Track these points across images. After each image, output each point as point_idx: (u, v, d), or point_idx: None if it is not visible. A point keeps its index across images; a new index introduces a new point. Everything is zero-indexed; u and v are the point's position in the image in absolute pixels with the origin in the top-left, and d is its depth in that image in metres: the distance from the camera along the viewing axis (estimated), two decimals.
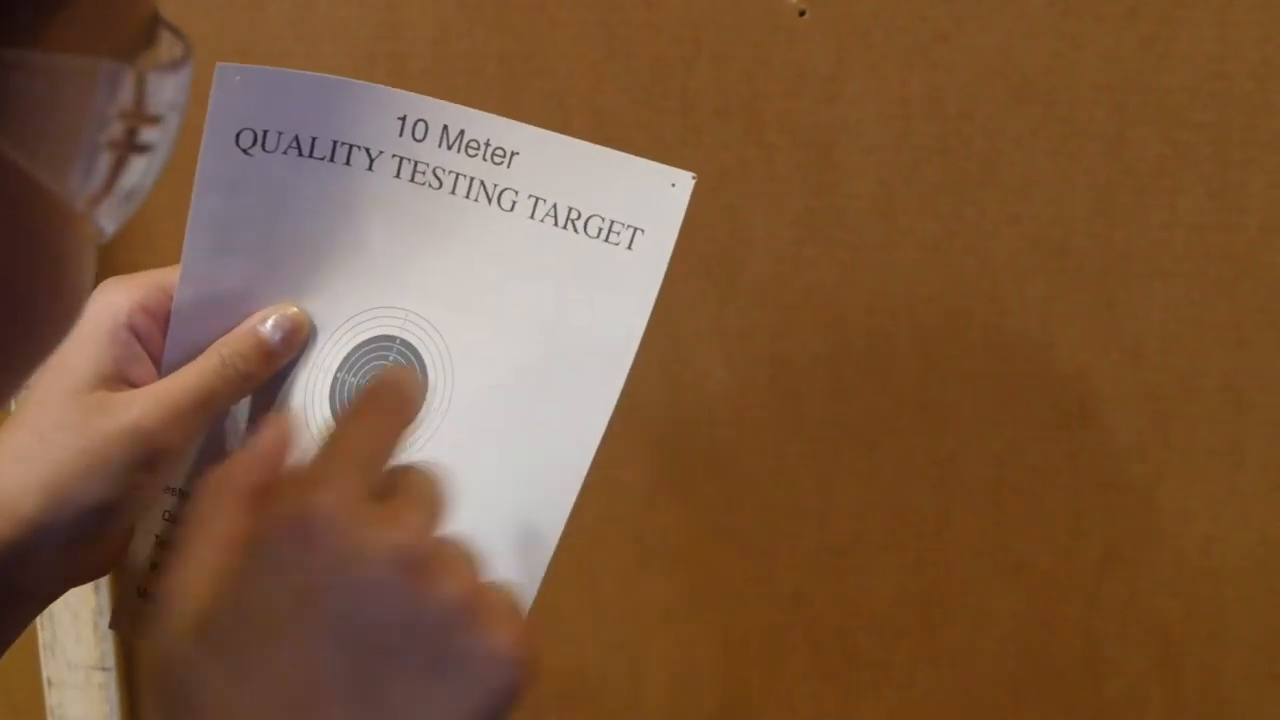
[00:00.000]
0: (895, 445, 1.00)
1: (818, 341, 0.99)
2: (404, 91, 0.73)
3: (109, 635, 1.19)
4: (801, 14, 0.94)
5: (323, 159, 0.74)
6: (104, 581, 1.19)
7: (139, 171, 0.46)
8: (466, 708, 0.55)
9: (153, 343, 0.75)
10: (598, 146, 0.70)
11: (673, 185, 0.69)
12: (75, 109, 0.42)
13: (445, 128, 0.72)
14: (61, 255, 0.44)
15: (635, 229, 0.69)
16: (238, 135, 0.73)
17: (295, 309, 0.75)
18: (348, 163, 0.73)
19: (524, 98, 1.01)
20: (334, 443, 0.60)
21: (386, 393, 0.64)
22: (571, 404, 0.70)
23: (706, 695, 1.09)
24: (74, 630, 1.21)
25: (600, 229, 0.70)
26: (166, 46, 0.46)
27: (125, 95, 0.44)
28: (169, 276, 0.75)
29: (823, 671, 1.06)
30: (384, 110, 0.73)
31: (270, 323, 0.74)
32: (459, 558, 0.58)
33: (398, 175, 0.73)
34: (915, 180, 0.95)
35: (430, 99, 0.73)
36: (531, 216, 0.71)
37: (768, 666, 1.07)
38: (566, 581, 1.10)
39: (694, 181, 0.69)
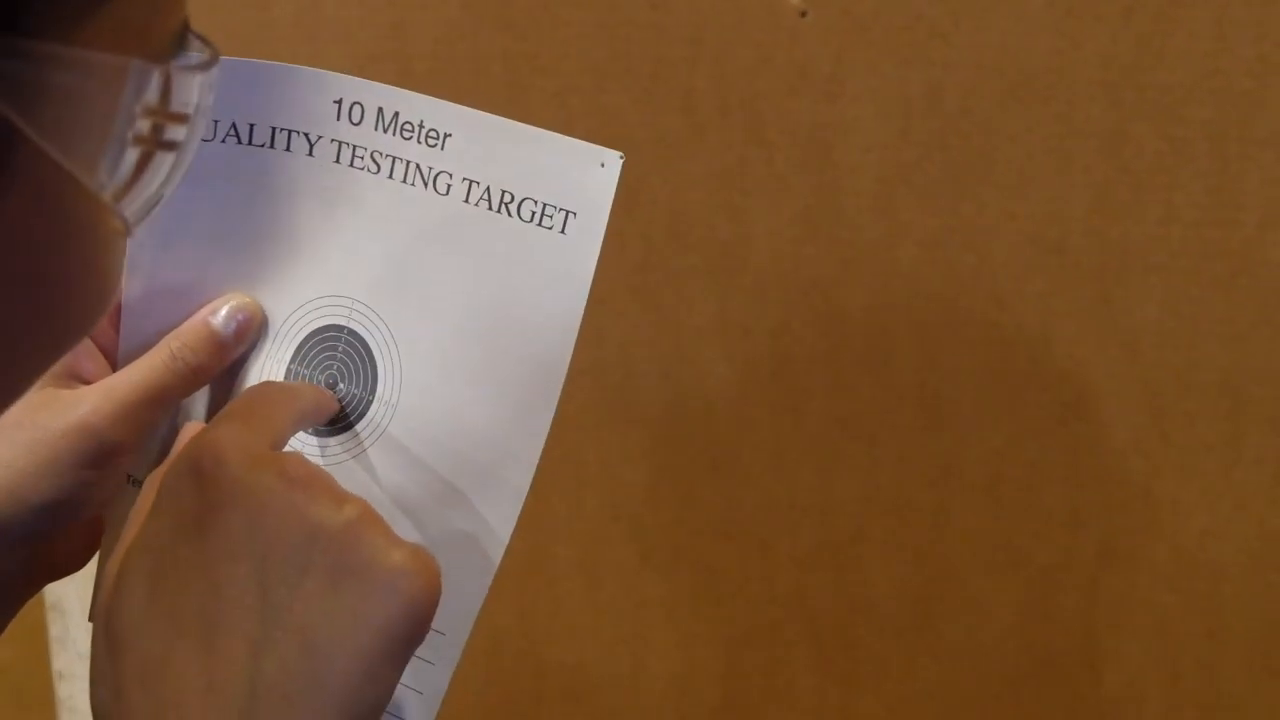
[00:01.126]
0: (895, 441, 1.01)
1: (818, 338, 1.00)
2: (338, 74, 0.72)
3: None
4: (803, 14, 0.95)
5: (262, 145, 0.72)
6: None
7: (164, 168, 0.47)
8: (371, 617, 0.56)
9: (105, 338, 0.75)
10: (527, 126, 0.69)
11: (601, 165, 0.67)
12: (105, 104, 0.43)
13: (380, 110, 0.70)
14: (90, 245, 0.46)
15: (567, 212, 0.67)
16: None
17: (248, 299, 0.74)
18: (288, 149, 0.72)
19: (528, 97, 1.01)
20: (232, 405, 0.62)
21: (308, 389, 0.67)
22: (517, 393, 0.69)
23: (708, 691, 1.09)
24: (84, 623, 1.22)
25: (533, 212, 0.68)
26: (195, 50, 0.48)
27: (152, 93, 0.45)
28: None
29: (823, 666, 1.06)
30: (320, 94, 0.71)
31: (222, 314, 0.73)
32: (353, 495, 0.59)
33: (337, 160, 0.72)
34: (915, 178, 0.95)
35: (363, 81, 0.71)
36: (466, 200, 0.69)
37: (769, 662, 1.08)
38: (568, 578, 1.11)
39: (622, 160, 0.67)
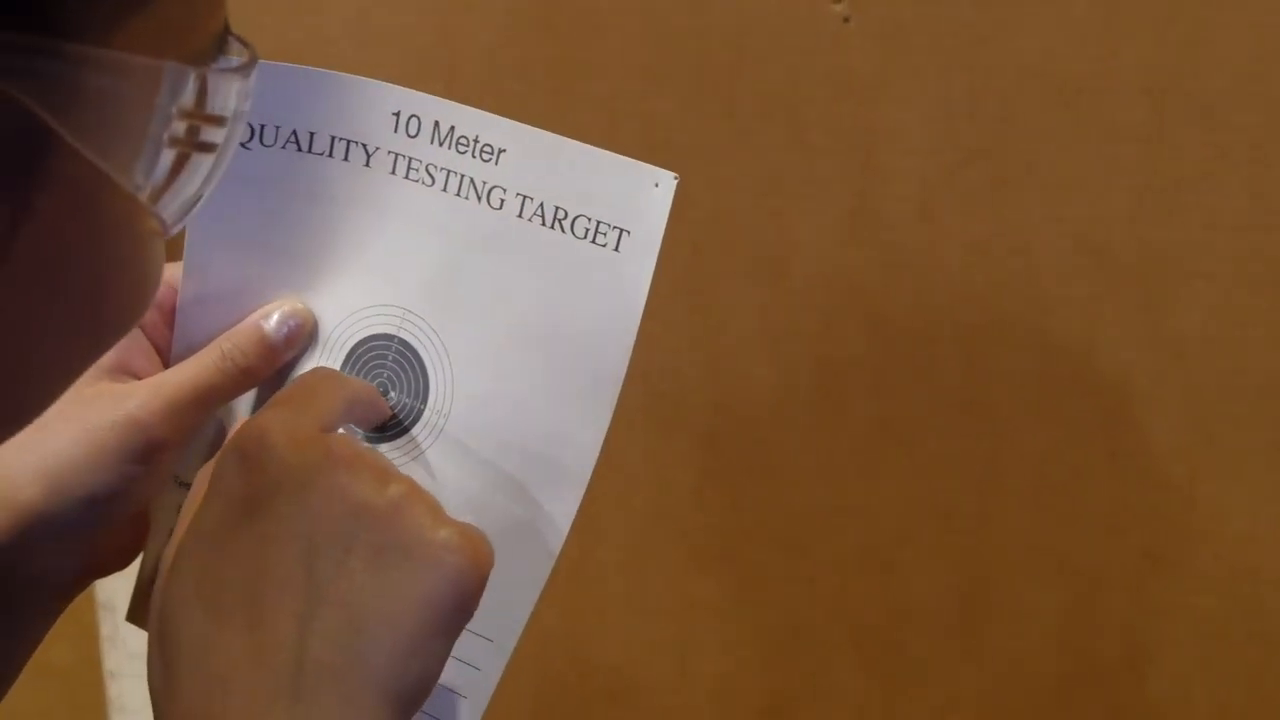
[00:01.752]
0: (938, 445, 1.01)
1: (861, 342, 1.00)
2: (397, 86, 0.72)
3: None
4: (845, 20, 0.95)
5: (321, 154, 0.73)
6: None
7: (202, 170, 0.48)
8: (418, 592, 0.57)
9: (158, 335, 0.76)
10: (582, 144, 0.69)
11: (656, 185, 0.67)
12: (141, 106, 0.44)
13: (436, 124, 0.71)
14: (127, 245, 0.46)
15: (621, 230, 0.68)
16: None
17: (300, 304, 0.75)
18: (346, 158, 0.73)
19: (573, 103, 1.02)
20: (283, 391, 0.63)
21: (358, 380, 0.68)
22: (571, 410, 0.69)
23: (752, 692, 1.10)
24: None
25: (587, 229, 0.68)
26: (234, 53, 0.48)
27: (189, 96, 0.45)
28: (175, 271, 0.76)
29: (866, 669, 1.06)
30: (379, 105, 0.72)
31: (274, 318, 0.74)
32: (401, 473, 0.60)
33: (393, 171, 0.72)
34: (957, 182, 0.96)
35: (422, 94, 0.72)
36: (520, 215, 0.70)
37: (812, 664, 1.08)
38: (614, 580, 1.11)
39: (676, 182, 0.67)
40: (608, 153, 0.69)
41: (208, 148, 0.47)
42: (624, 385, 0.70)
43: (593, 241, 0.68)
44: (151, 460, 0.70)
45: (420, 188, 0.72)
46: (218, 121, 0.47)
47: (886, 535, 1.04)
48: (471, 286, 0.71)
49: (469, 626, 0.61)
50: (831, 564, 1.05)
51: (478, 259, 0.71)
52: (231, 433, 0.67)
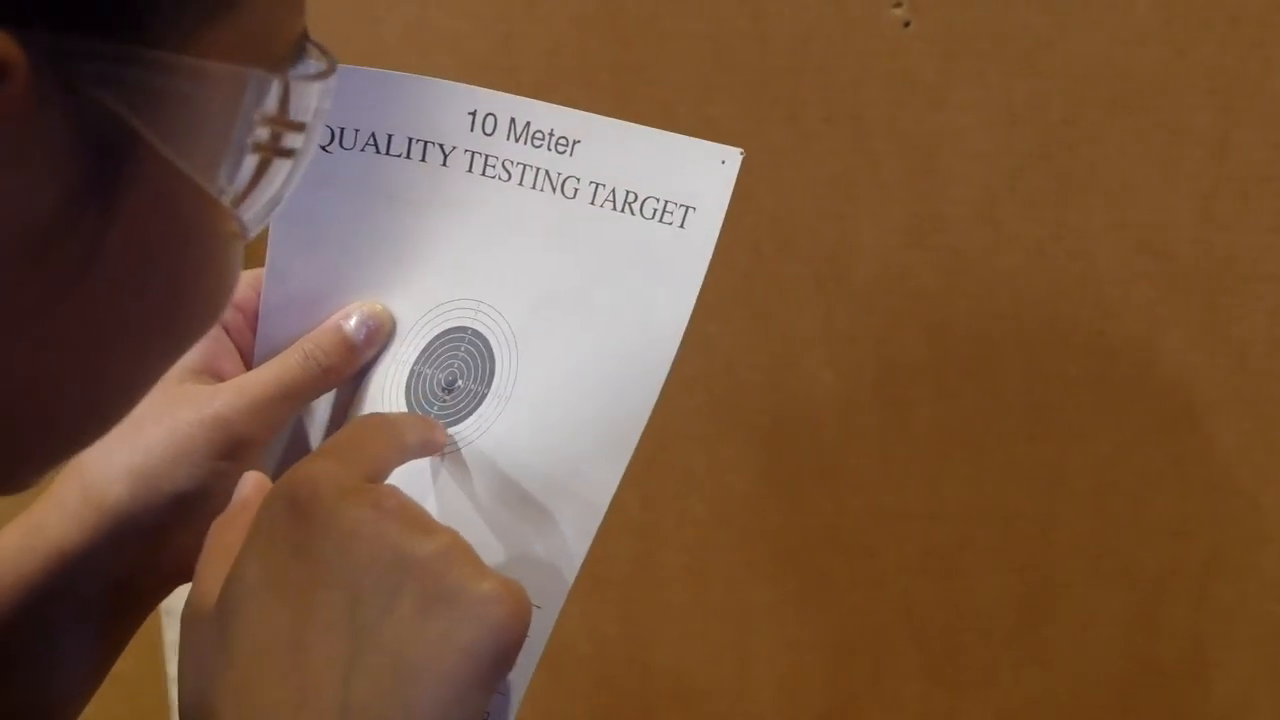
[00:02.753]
0: (1001, 449, 1.01)
1: (923, 346, 1.00)
2: (472, 86, 0.74)
3: None
4: (906, 24, 0.95)
5: (400, 156, 0.75)
6: None
7: (281, 174, 0.49)
8: (461, 643, 0.57)
9: (242, 338, 0.78)
10: (652, 130, 0.71)
11: (722, 162, 0.69)
12: (224, 111, 0.45)
13: (513, 120, 0.73)
14: (208, 247, 0.48)
15: (687, 208, 0.70)
16: (324, 133, 0.74)
17: (379, 306, 0.76)
18: (423, 159, 0.75)
19: (634, 108, 1.02)
20: (332, 439, 0.64)
21: (412, 421, 0.69)
22: (625, 378, 0.70)
23: (814, 696, 1.10)
24: None
25: (655, 210, 0.70)
26: (313, 59, 0.49)
27: (271, 102, 0.47)
28: (258, 275, 0.78)
29: (929, 673, 1.06)
30: (456, 106, 0.74)
31: (354, 320, 0.76)
32: (444, 526, 0.60)
33: (470, 169, 0.74)
34: (1019, 186, 0.95)
35: (497, 93, 0.74)
36: (592, 202, 0.72)
37: (874, 668, 1.08)
38: (675, 583, 1.12)
39: (742, 157, 0.69)
40: (676, 135, 0.71)
41: (288, 153, 0.48)
42: (685, 388, 0.71)
43: (660, 220, 0.70)
44: (237, 456, 0.72)
45: (497, 183, 0.74)
46: (299, 128, 0.48)
47: (949, 539, 1.04)
48: (542, 273, 0.73)
49: None
50: (893, 568, 1.06)
51: (550, 247, 0.73)
52: (241, 486, 0.68)
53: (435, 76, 0.75)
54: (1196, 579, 0.99)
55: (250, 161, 0.47)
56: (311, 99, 0.49)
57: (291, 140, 0.49)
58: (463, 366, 0.74)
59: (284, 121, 0.48)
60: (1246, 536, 0.98)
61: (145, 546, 0.73)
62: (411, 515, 0.60)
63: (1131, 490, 0.99)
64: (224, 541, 0.63)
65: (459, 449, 0.73)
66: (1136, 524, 0.99)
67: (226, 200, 0.47)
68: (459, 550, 0.59)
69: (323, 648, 0.57)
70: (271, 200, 0.49)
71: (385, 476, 0.65)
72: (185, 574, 0.75)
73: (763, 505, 1.08)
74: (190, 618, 0.62)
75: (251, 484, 0.66)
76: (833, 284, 1.01)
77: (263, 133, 0.47)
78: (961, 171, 0.97)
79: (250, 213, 0.48)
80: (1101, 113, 0.93)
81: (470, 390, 0.74)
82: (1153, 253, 0.94)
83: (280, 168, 0.49)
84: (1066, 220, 0.95)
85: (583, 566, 0.70)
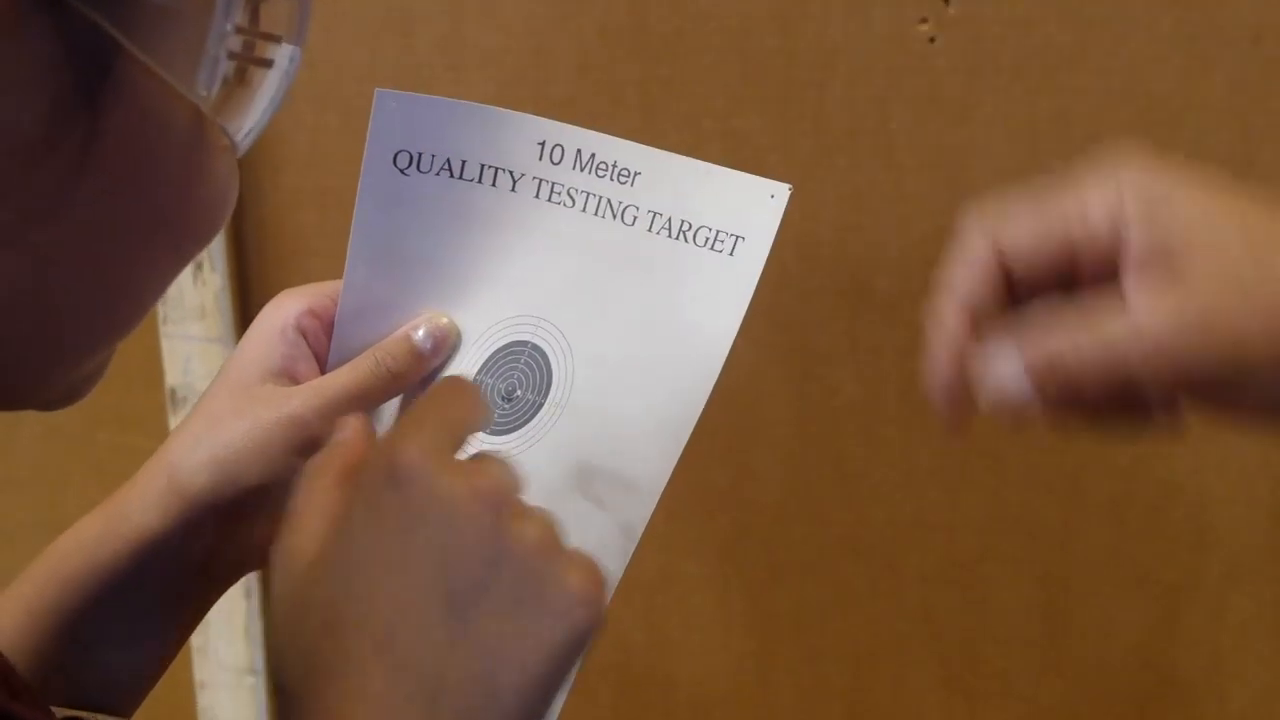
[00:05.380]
0: (1021, 460, 1.02)
1: None
2: (542, 118, 0.79)
3: (259, 639, 1.23)
4: (931, 40, 0.97)
5: (472, 180, 0.80)
6: (255, 588, 1.24)
7: (265, 93, 0.53)
8: (545, 640, 0.59)
9: (319, 345, 0.82)
10: (708, 164, 0.76)
11: (771, 197, 0.74)
12: (198, 21, 0.49)
13: (579, 151, 0.79)
14: (199, 155, 0.52)
15: (738, 237, 0.75)
16: (395, 156, 0.79)
17: (446, 319, 0.81)
18: (494, 184, 0.80)
19: (662, 121, 1.04)
20: (420, 407, 0.65)
21: (468, 385, 0.70)
22: (673, 392, 0.75)
23: (834, 705, 1.11)
24: (227, 634, 1.25)
25: (708, 238, 0.75)
26: None
27: (241, 12, 0.51)
28: (336, 287, 0.82)
29: (949, 682, 1.07)
30: (526, 136, 0.79)
31: (422, 330, 0.81)
32: (536, 510, 0.63)
33: (537, 196, 0.79)
34: None
35: (565, 125, 0.79)
36: (650, 229, 0.77)
37: (895, 677, 1.09)
38: (697, 593, 1.13)
39: (790, 192, 0.74)
40: (731, 170, 0.76)
41: (264, 63, 0.53)
42: (715, 398, 0.74)
43: (712, 248, 0.75)
44: (310, 453, 0.74)
45: (561, 209, 0.79)
46: (273, 38, 0.53)
47: (970, 549, 1.04)
48: (601, 293, 0.78)
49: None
50: (914, 577, 1.06)
51: (609, 269, 0.78)
52: (379, 440, 0.70)
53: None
54: (1215, 590, 1.00)
55: (227, 68, 0.51)
56: (282, 13, 0.53)
57: (269, 52, 0.53)
58: (522, 377, 0.79)
59: (257, 32, 0.52)
60: (1264, 548, 0.98)
61: (222, 534, 0.78)
62: (507, 501, 0.62)
63: (1150, 501, 1.00)
64: (322, 484, 0.65)
65: (515, 453, 0.77)
66: (1155, 535, 1.00)
67: (207, 108, 0.50)
68: (549, 541, 0.61)
69: (417, 628, 0.59)
70: (260, 120, 0.53)
71: (469, 439, 0.67)
72: (258, 561, 0.81)
73: (785, 516, 1.09)
74: (289, 563, 0.63)
75: (352, 428, 0.67)
76: (856, 296, 1.02)
77: (236, 42, 0.51)
78: (985, 186, 0.97)
79: (236, 126, 0.53)
80: (1124, 129, 0.94)
81: (528, 400, 0.78)
82: None
83: (261, 84, 0.53)
84: None
85: (626, 570, 0.74)
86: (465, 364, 0.81)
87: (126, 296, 0.54)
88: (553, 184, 0.79)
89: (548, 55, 1.06)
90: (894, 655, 1.08)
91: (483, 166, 0.80)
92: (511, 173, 0.80)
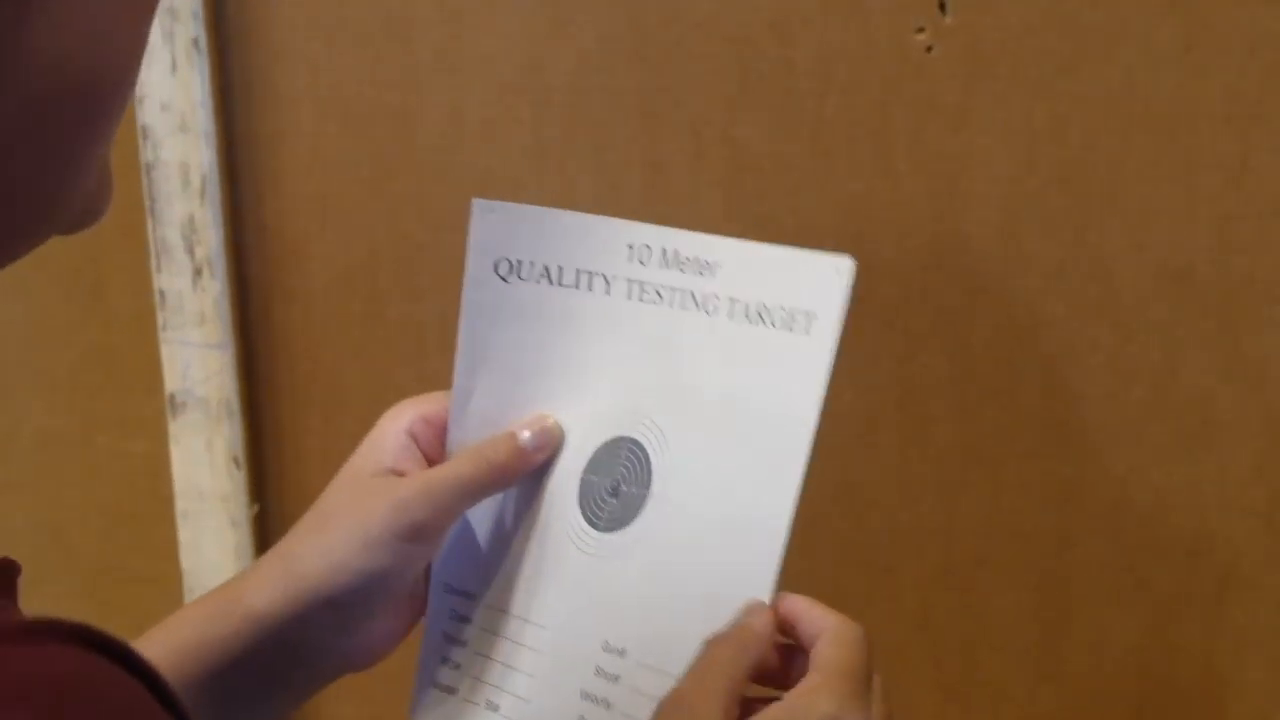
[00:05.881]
0: (1018, 467, 1.02)
1: (944, 366, 1.02)
2: (631, 222, 0.83)
3: None
4: (929, 49, 0.97)
5: (570, 286, 0.84)
6: None
7: None
8: None
9: (431, 449, 0.86)
10: (780, 248, 0.78)
11: (836, 271, 0.75)
12: None
13: (664, 250, 0.81)
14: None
15: (810, 315, 0.76)
16: (496, 265, 0.84)
17: (550, 420, 0.85)
18: (590, 288, 0.84)
19: (660, 129, 1.04)
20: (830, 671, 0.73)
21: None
22: (767, 471, 0.76)
23: None
24: None
25: (783, 319, 0.77)
26: None
27: None
28: (447, 395, 0.87)
29: (945, 690, 1.07)
30: (618, 240, 0.83)
31: (528, 431, 0.84)
32: None
33: (629, 297, 0.82)
34: (1040, 208, 0.97)
35: (650, 226, 0.82)
36: (729, 316, 0.79)
37: (891, 684, 1.08)
38: None
39: (854, 265, 0.75)
40: (797, 250, 0.77)
41: None
42: (801, 487, 0.76)
43: (788, 330, 0.77)
44: (417, 540, 0.81)
45: (651, 306, 0.82)
46: None
47: (966, 556, 1.05)
48: (690, 383, 0.80)
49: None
50: (911, 585, 1.07)
51: (697, 359, 0.80)
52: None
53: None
54: (1211, 598, 1.00)
55: None
56: None
57: None
58: (625, 472, 0.82)
59: None
60: (1260, 556, 0.99)
61: (334, 623, 0.81)
62: None
63: (1147, 509, 1.00)
64: (718, 656, 0.72)
65: (627, 546, 0.80)
66: (1152, 543, 1.00)
67: None
68: None
69: None
70: None
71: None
72: (370, 654, 0.84)
73: None
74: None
75: (763, 620, 0.74)
76: (854, 303, 1.02)
77: None
78: (982, 193, 0.98)
79: None
80: (1121, 137, 0.94)
81: (633, 494, 0.81)
82: (1171, 276, 0.95)
83: None
84: (1086, 243, 0.97)
85: None
86: (571, 464, 0.84)
87: (115, 68, 0.51)
88: (642, 284, 0.82)
89: (547, 62, 1.06)
90: (890, 661, 1.08)
91: (578, 271, 0.84)
92: (605, 276, 0.83)
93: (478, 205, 0.83)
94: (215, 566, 1.25)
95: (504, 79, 1.08)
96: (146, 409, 1.27)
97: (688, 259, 0.81)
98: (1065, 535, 1.02)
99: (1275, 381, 0.95)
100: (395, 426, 0.85)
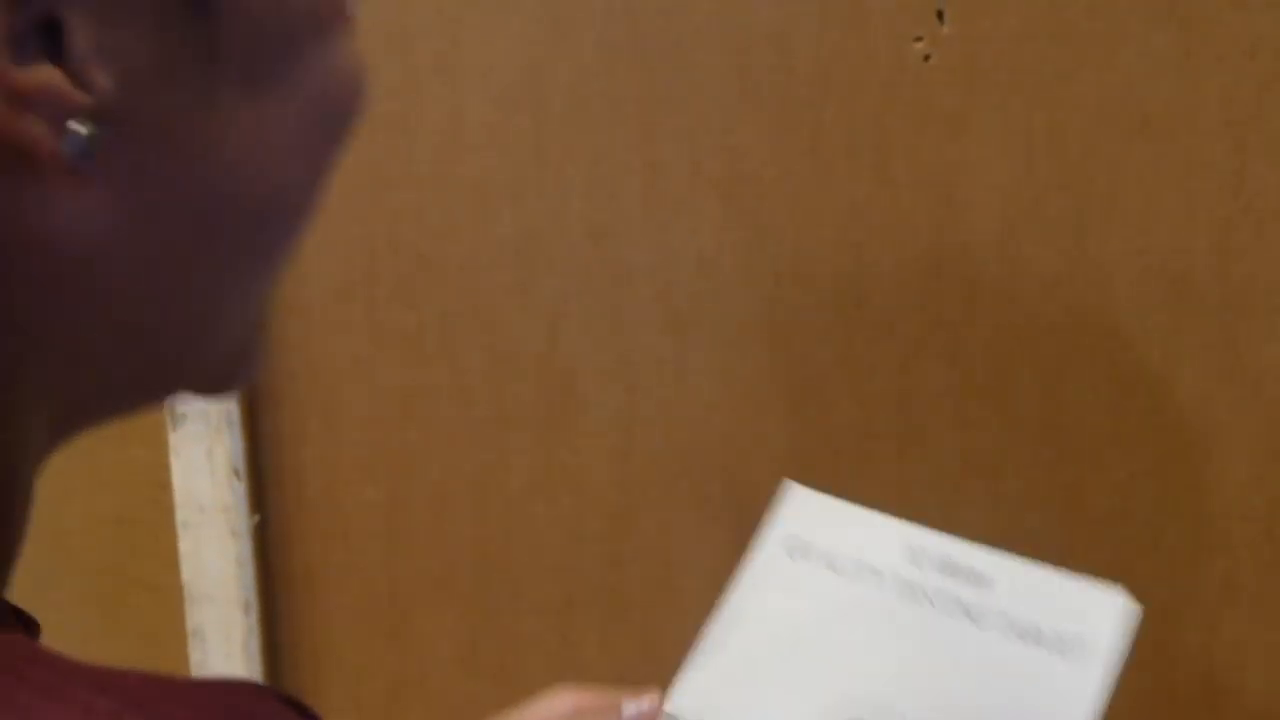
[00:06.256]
0: (1018, 475, 1.02)
1: (942, 374, 1.02)
2: (913, 525, 0.86)
3: (258, 655, 1.23)
4: (927, 58, 0.97)
5: (847, 574, 0.86)
6: (254, 602, 1.24)
7: None
8: None
9: None
10: (1056, 573, 0.80)
11: (1117, 607, 0.78)
12: None
13: (942, 557, 0.84)
14: (322, 25, 0.49)
15: (1084, 643, 0.78)
16: (789, 542, 0.87)
17: (648, 701, 0.87)
18: (867, 583, 0.85)
19: (658, 136, 1.04)
20: None
21: None
22: None
23: None
24: (225, 649, 1.25)
25: (1055, 644, 0.79)
26: None
27: None
28: (606, 697, 0.89)
29: None
30: (899, 541, 0.86)
31: (633, 707, 0.87)
32: None
33: (900, 595, 0.84)
34: (1037, 215, 0.97)
35: (929, 531, 0.86)
36: (999, 631, 0.80)
37: None
38: (695, 608, 1.12)
39: (1136, 608, 0.78)
40: (1077, 578, 0.80)
41: None
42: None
43: (1059, 654, 0.78)
44: None
45: (922, 610, 0.83)
46: None
47: None
48: (949, 688, 0.81)
49: None
50: None
51: (958, 667, 0.81)
52: None
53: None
54: (1210, 606, 1.00)
55: None
56: None
57: None
58: None
59: None
60: (1260, 565, 0.98)
61: None
62: None
63: (1146, 517, 1.00)
64: None
65: None
66: (1151, 551, 1.00)
67: None
68: None
69: None
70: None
71: None
72: None
73: None
74: None
75: None
76: (853, 312, 1.02)
77: None
78: (981, 201, 0.98)
79: None
80: (1119, 144, 0.94)
81: None
82: (1170, 282, 0.95)
83: None
84: (1084, 249, 0.97)
85: None
86: None
87: (294, 190, 0.48)
88: (914, 585, 0.84)
89: (546, 70, 1.06)
90: None
91: (857, 563, 0.86)
92: (882, 573, 0.85)
93: (790, 489, 0.88)
94: (216, 576, 1.25)
95: (502, 85, 1.08)
96: (148, 419, 1.27)
97: (964, 570, 0.83)
98: (1065, 543, 1.02)
99: (1273, 388, 0.95)
100: (548, 707, 0.87)
